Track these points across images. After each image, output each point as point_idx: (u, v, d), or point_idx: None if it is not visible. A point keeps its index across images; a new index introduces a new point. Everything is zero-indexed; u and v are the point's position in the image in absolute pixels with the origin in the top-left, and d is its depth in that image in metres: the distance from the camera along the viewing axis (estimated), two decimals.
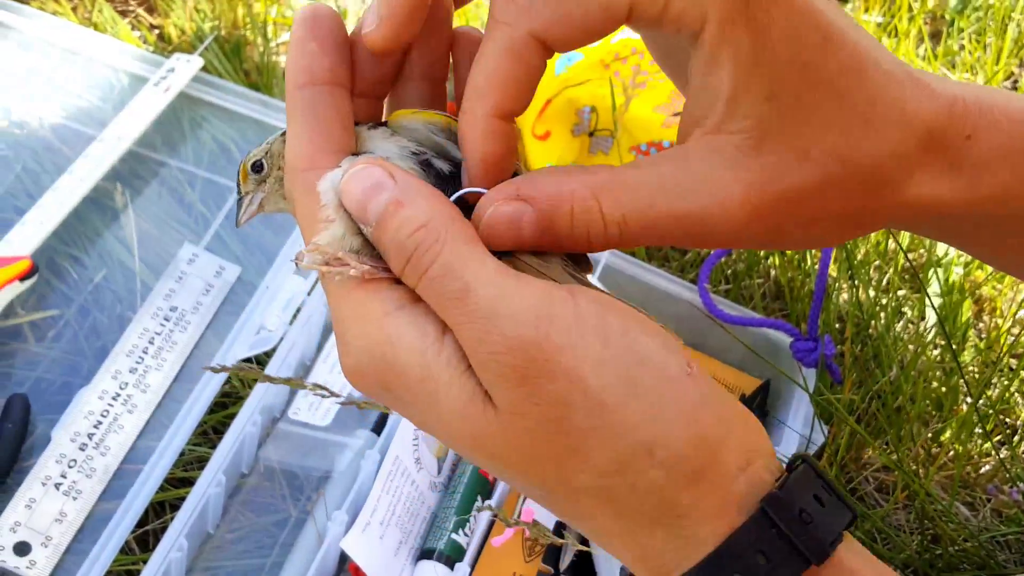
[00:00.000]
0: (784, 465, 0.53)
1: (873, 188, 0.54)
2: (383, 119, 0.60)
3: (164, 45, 1.55)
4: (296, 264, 0.53)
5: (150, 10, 1.60)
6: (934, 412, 1.22)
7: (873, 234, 1.32)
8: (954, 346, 1.24)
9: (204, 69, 1.33)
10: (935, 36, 1.70)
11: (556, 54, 0.54)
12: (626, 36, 1.33)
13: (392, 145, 0.56)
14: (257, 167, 0.59)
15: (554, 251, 0.55)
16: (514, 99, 0.53)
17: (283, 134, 0.58)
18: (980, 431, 1.18)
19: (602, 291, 0.53)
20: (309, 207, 0.53)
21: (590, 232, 0.52)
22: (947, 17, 1.69)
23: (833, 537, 0.50)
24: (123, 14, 1.60)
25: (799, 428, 1.10)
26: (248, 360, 1.13)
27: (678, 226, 0.52)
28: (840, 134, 0.53)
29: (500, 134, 0.53)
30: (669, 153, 0.53)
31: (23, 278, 1.09)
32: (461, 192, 0.54)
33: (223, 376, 1.10)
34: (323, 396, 0.87)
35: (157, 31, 1.58)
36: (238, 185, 0.60)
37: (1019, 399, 1.24)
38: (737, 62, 0.51)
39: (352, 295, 0.52)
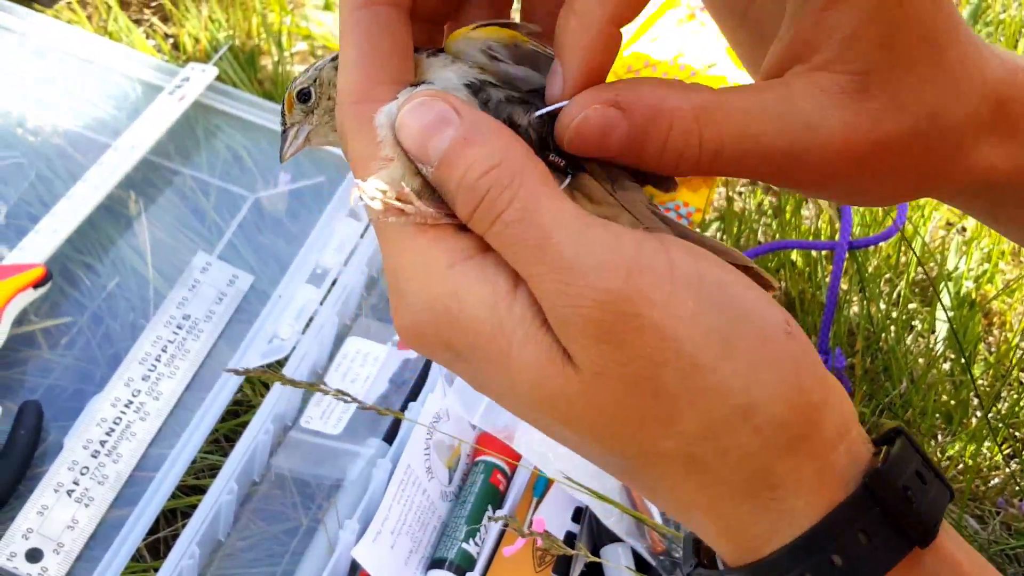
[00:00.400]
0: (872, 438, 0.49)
1: (951, 148, 0.52)
2: (442, 45, 0.54)
3: (178, 54, 1.55)
4: (354, 199, 0.48)
5: (164, 19, 1.61)
6: (944, 425, 1.22)
7: (884, 245, 1.32)
8: (959, 365, 1.24)
9: (218, 79, 1.33)
10: None
11: None
12: (637, 50, 1.34)
13: (452, 74, 0.51)
14: (304, 96, 0.54)
15: (634, 170, 0.51)
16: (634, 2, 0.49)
17: (333, 59, 0.54)
18: (989, 444, 1.18)
19: (692, 239, 0.49)
20: (363, 144, 0.49)
21: (684, 155, 0.49)
22: None
23: (938, 517, 0.46)
24: (138, 23, 1.60)
25: None
26: (261, 368, 1.13)
27: (773, 160, 0.49)
28: (935, 91, 0.51)
29: (613, 44, 0.49)
30: (771, 84, 0.50)
31: (37, 285, 1.10)
32: (550, 108, 0.49)
33: (236, 384, 1.10)
34: (344, 400, 0.86)
35: (172, 40, 1.58)
36: (283, 116, 0.55)
37: None
38: (859, 8, 0.48)
39: (412, 243, 0.47)
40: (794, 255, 1.34)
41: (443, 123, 0.46)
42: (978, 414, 1.21)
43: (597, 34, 0.48)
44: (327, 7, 1.66)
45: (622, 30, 0.50)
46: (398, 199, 0.46)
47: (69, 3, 1.55)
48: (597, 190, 0.50)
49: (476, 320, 0.45)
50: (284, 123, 0.55)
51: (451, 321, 0.46)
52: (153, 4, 1.63)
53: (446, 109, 0.47)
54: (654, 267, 0.44)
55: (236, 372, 0.89)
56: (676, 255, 0.45)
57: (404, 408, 1.11)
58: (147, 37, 1.58)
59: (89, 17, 1.57)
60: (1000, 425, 1.20)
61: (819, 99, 0.49)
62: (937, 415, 1.21)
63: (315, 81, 0.54)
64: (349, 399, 0.88)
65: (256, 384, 1.17)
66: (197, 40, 1.54)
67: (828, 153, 0.49)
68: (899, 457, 0.47)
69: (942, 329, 1.30)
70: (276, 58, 1.52)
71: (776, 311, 0.47)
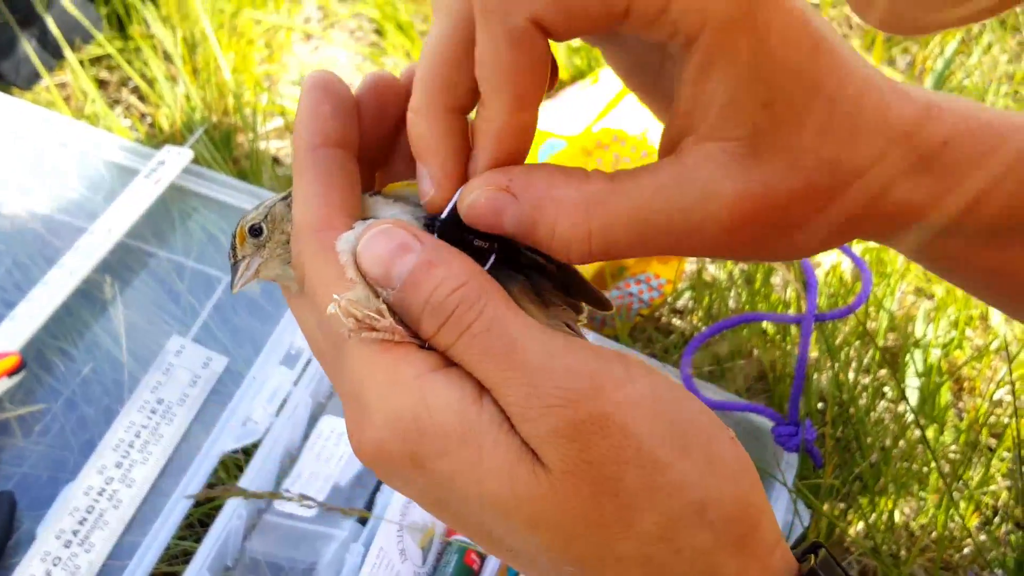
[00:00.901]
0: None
1: (858, 197, 0.53)
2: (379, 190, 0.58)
3: (155, 132, 1.57)
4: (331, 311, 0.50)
5: (142, 98, 1.63)
6: (917, 493, 1.23)
7: (851, 317, 1.33)
8: (931, 430, 1.25)
9: (194, 160, 1.35)
10: None
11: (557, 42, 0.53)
12: (607, 125, 1.36)
13: (396, 210, 0.55)
14: (256, 231, 0.57)
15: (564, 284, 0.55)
16: (528, 88, 0.51)
17: (283, 198, 0.57)
18: (958, 514, 1.18)
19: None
20: (325, 268, 0.51)
21: (572, 245, 0.51)
22: None
23: None
24: (116, 102, 1.62)
25: (782, 513, 1.11)
26: (235, 452, 1.14)
27: (672, 235, 0.51)
28: (831, 141, 0.52)
29: (522, 128, 0.52)
30: (665, 162, 0.52)
31: (11, 373, 1.11)
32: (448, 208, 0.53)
33: (209, 468, 1.11)
34: (308, 506, 0.87)
35: (148, 119, 1.60)
36: (234, 249, 0.58)
37: (1000, 479, 1.25)
38: (735, 68, 0.50)
39: (379, 358, 0.49)
40: (765, 324, 1.35)
41: (404, 249, 0.49)
42: (948, 481, 1.22)
43: (507, 124, 0.52)
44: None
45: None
46: (366, 320, 0.49)
47: (47, 86, 1.57)
48: (533, 311, 0.53)
49: (446, 426, 0.47)
50: (235, 256, 0.57)
51: (419, 430, 0.48)
52: (130, 84, 1.64)
53: (407, 236, 0.50)
54: (615, 372, 0.48)
55: (190, 497, 0.89)
56: (632, 363, 0.49)
57: (377, 489, 1.12)
58: (124, 117, 1.60)
59: (67, 99, 1.59)
60: (970, 494, 1.21)
61: (711, 169, 0.51)
62: (909, 482, 1.22)
63: (266, 217, 0.57)
64: (313, 504, 0.89)
65: (230, 467, 1.18)
66: (173, 120, 1.56)
67: (726, 221, 0.51)
68: (824, 564, 0.51)
69: (912, 396, 1.31)
70: (251, 136, 1.54)
71: (718, 420, 0.50)
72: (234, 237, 0.57)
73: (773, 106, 0.51)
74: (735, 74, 0.50)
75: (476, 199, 0.52)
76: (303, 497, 0.85)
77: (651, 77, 0.60)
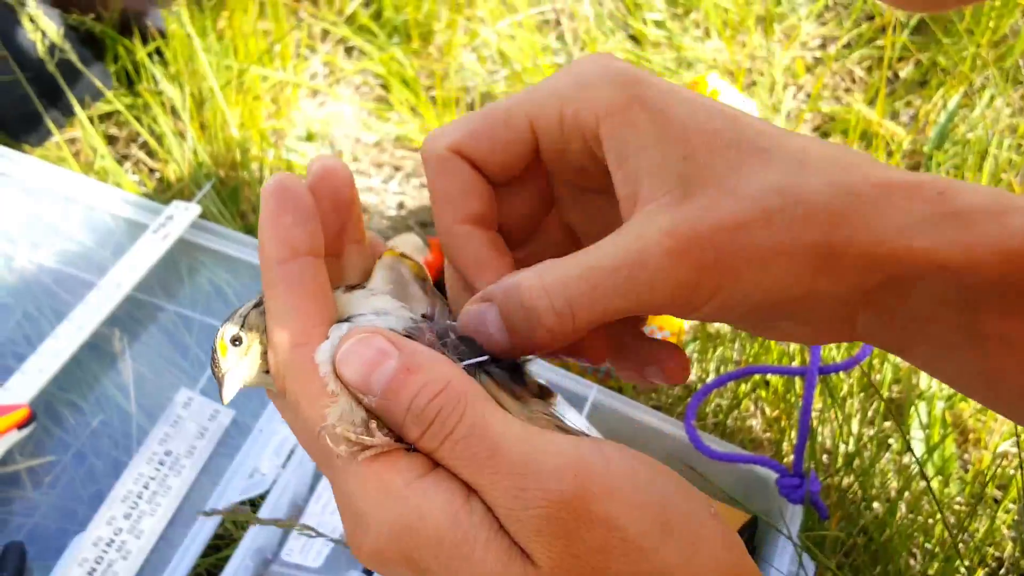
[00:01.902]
0: None
1: (822, 219, 0.51)
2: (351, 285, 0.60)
3: (163, 187, 1.59)
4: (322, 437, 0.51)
5: (150, 154, 1.65)
6: (923, 544, 1.23)
7: (856, 369, 1.34)
8: (936, 482, 1.26)
9: (202, 215, 1.36)
10: (914, 170, 1.74)
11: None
12: None
13: (376, 305, 0.56)
14: (236, 340, 0.58)
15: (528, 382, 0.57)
16: (465, 208, 0.57)
17: (255, 305, 0.58)
18: (964, 566, 1.18)
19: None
20: (306, 385, 0.52)
21: (542, 320, 0.53)
22: (925, 152, 1.73)
23: None
24: (125, 157, 1.64)
25: (787, 565, 1.11)
26: (242, 503, 1.14)
27: (619, 289, 0.52)
28: (773, 173, 0.52)
29: (470, 240, 0.57)
30: (606, 239, 0.54)
31: (21, 426, 1.11)
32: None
33: (217, 519, 1.11)
34: (312, 536, 0.88)
35: (157, 174, 1.62)
36: (215, 362, 0.58)
37: (1005, 531, 1.25)
38: (643, 139, 0.53)
39: (366, 470, 0.50)
40: (770, 376, 1.36)
41: (383, 356, 0.50)
42: (953, 533, 1.22)
43: (459, 238, 0.57)
44: (309, 138, 1.70)
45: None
46: (357, 439, 0.50)
47: (56, 141, 1.59)
48: (511, 406, 0.54)
49: (440, 530, 0.48)
50: (219, 369, 0.58)
51: (413, 536, 0.49)
52: (139, 140, 1.66)
53: (383, 343, 0.51)
54: (594, 465, 0.48)
55: (207, 514, 0.90)
56: (608, 452, 0.49)
57: None
58: (132, 173, 1.62)
59: (76, 154, 1.60)
60: (975, 547, 1.21)
61: (643, 221, 0.52)
62: (915, 534, 1.22)
63: (243, 326, 0.57)
64: (326, 536, 0.89)
65: (239, 518, 1.18)
66: (181, 176, 1.58)
67: (672, 265, 0.51)
68: None
69: (918, 448, 1.31)
70: (258, 190, 1.55)
71: (699, 496, 0.51)
72: (214, 349, 0.58)
73: (695, 157, 0.52)
74: (646, 142, 0.53)
75: (464, 314, 0.55)
76: (313, 529, 0.86)
77: (590, 214, 0.63)
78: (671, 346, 0.61)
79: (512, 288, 0.53)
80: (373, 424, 0.50)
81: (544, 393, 0.58)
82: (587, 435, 0.54)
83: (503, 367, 0.56)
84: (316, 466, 1.18)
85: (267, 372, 0.57)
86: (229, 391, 0.58)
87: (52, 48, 1.50)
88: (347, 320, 0.55)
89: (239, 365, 0.58)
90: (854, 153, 0.54)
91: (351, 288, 0.58)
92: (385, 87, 1.82)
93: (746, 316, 0.56)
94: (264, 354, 0.57)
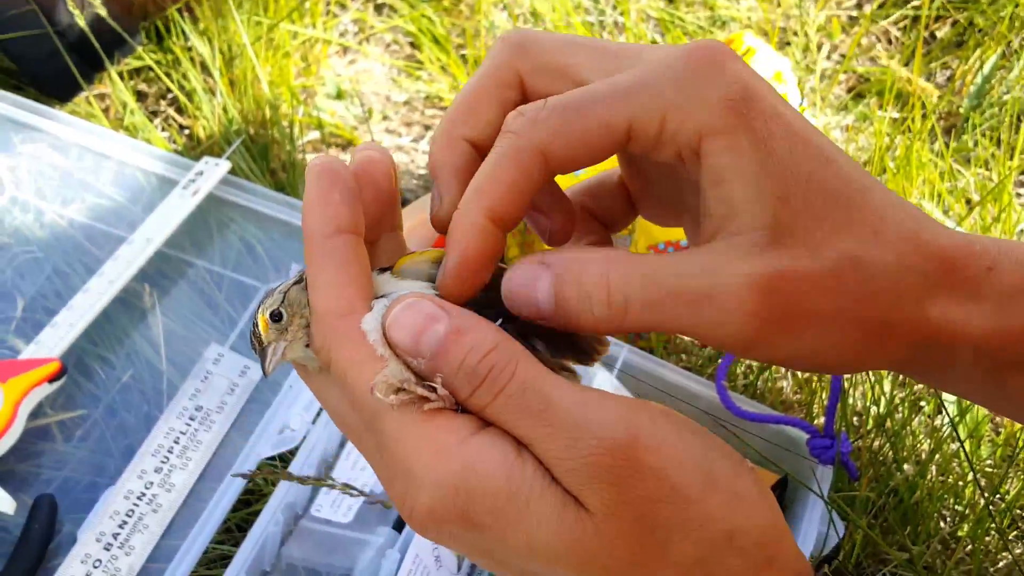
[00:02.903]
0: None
1: (887, 296, 0.54)
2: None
3: (193, 144, 1.59)
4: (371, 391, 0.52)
5: (179, 111, 1.64)
6: (953, 506, 1.22)
7: None
8: (968, 444, 1.25)
9: (231, 171, 1.36)
10: (949, 132, 1.72)
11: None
12: None
13: (408, 285, 0.58)
14: (276, 316, 0.59)
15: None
16: (509, 204, 0.55)
17: (295, 282, 0.60)
18: (995, 528, 1.18)
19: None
20: (355, 351, 0.53)
21: (594, 300, 0.54)
22: (961, 113, 1.71)
23: None
24: (154, 114, 1.64)
25: (816, 524, 1.11)
26: (271, 459, 1.15)
27: (690, 314, 0.53)
28: (852, 238, 0.54)
29: (487, 235, 0.55)
30: (691, 249, 0.55)
31: (52, 380, 1.12)
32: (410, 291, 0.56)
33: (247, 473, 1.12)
34: (351, 494, 0.88)
35: (187, 131, 1.62)
36: (257, 336, 0.60)
37: None
38: (744, 168, 0.53)
39: (419, 430, 0.52)
40: None
41: (432, 320, 0.52)
42: (986, 495, 1.21)
43: (475, 224, 0.55)
44: (339, 96, 1.70)
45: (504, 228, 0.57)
46: (410, 391, 0.52)
47: (86, 97, 1.59)
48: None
49: (494, 485, 0.50)
50: (260, 342, 0.59)
51: (468, 492, 0.50)
52: (169, 96, 1.66)
53: (433, 307, 0.53)
54: (642, 420, 0.51)
55: (242, 476, 0.90)
56: (654, 410, 0.52)
57: None
58: (162, 129, 1.62)
59: (106, 111, 1.60)
60: (1006, 509, 1.20)
61: (728, 253, 0.53)
62: (945, 496, 1.21)
63: (283, 302, 0.59)
64: (355, 492, 0.89)
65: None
66: (211, 132, 1.57)
67: (742, 299, 0.53)
68: (837, 571, 0.55)
69: (949, 410, 1.30)
70: (288, 148, 1.55)
71: (737, 455, 0.54)
72: (255, 324, 0.59)
73: (789, 201, 0.53)
74: (746, 171, 0.53)
75: (514, 277, 0.55)
76: (347, 486, 0.86)
77: (666, 195, 0.64)
78: (564, 201, 0.63)
79: (575, 264, 0.54)
80: (437, 380, 0.52)
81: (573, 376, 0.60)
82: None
83: (544, 338, 0.58)
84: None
85: (307, 347, 0.58)
86: (271, 365, 0.59)
87: (82, 3, 1.50)
88: (383, 297, 0.56)
89: (280, 340, 0.59)
90: (922, 217, 0.56)
91: (384, 270, 0.59)
92: (415, 45, 1.81)
93: (788, 362, 0.58)
94: (306, 328, 0.58)
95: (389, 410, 0.52)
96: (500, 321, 0.56)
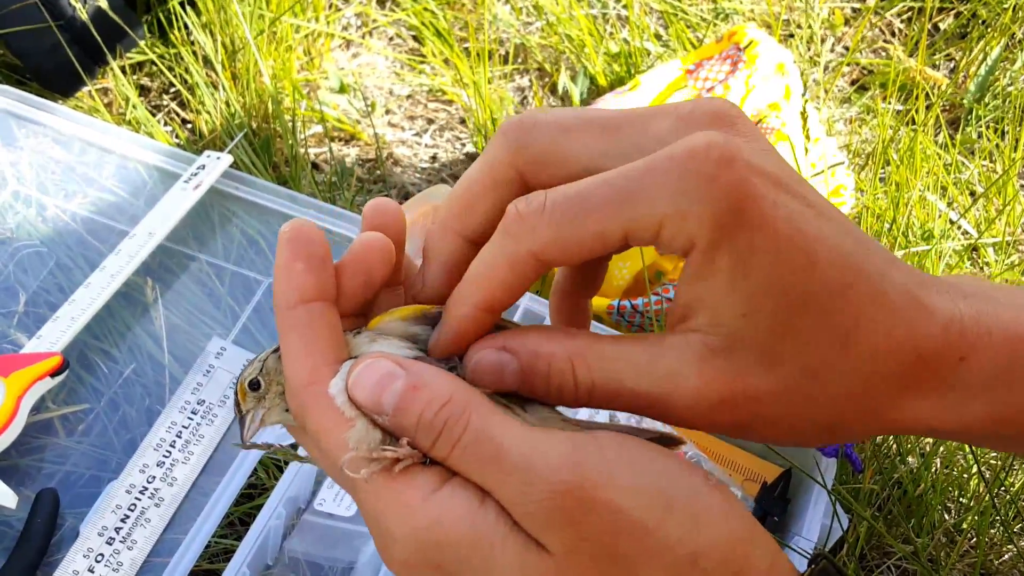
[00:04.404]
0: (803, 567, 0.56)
1: (847, 407, 0.56)
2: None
3: (195, 139, 1.58)
4: (343, 470, 0.54)
5: (182, 105, 1.64)
6: (957, 499, 1.22)
7: None
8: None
9: (233, 165, 1.36)
10: (953, 124, 1.72)
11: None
12: None
13: (380, 346, 0.59)
14: (255, 385, 0.61)
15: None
16: (501, 297, 0.57)
17: (274, 350, 0.62)
18: (999, 520, 1.18)
19: (612, 428, 0.57)
20: (324, 416, 0.56)
21: (563, 391, 0.56)
22: (966, 105, 1.71)
23: None
24: (157, 108, 1.64)
25: (820, 517, 1.10)
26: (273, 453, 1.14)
27: (642, 403, 0.56)
28: (815, 352, 0.54)
29: (479, 322, 0.58)
30: (648, 337, 0.57)
31: (54, 374, 1.11)
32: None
33: (249, 467, 1.11)
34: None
35: (189, 125, 1.62)
36: (237, 404, 0.62)
37: None
38: (717, 282, 0.54)
39: (387, 491, 0.54)
40: None
41: (391, 378, 0.55)
42: (990, 488, 1.21)
43: (468, 315, 0.58)
44: (342, 90, 1.70)
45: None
46: (380, 457, 0.54)
47: (89, 91, 1.59)
48: (514, 408, 0.58)
49: (459, 536, 0.52)
50: (240, 411, 0.62)
51: (437, 545, 0.53)
52: (171, 90, 1.66)
53: (390, 365, 0.55)
54: (590, 455, 0.52)
55: (243, 446, 0.90)
56: (604, 441, 0.53)
57: None
58: (164, 123, 1.61)
59: (108, 105, 1.60)
60: (1010, 501, 1.20)
61: (684, 354, 0.55)
62: (949, 488, 1.21)
63: (262, 371, 0.62)
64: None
65: (270, 467, 1.18)
66: (214, 126, 1.57)
67: (689, 401, 0.55)
68: (824, 571, 0.57)
69: None
70: (291, 141, 1.55)
71: (696, 470, 0.54)
72: (236, 394, 0.62)
73: (752, 317, 0.54)
74: (717, 287, 0.54)
75: (481, 359, 0.57)
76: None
77: None
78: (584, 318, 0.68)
79: (540, 360, 0.57)
80: (403, 440, 0.54)
81: None
82: (589, 427, 0.59)
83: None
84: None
85: (287, 411, 0.60)
86: (250, 432, 0.62)
87: None
88: (353, 359, 0.58)
89: (259, 407, 0.62)
90: (903, 305, 0.55)
91: (358, 332, 0.61)
92: (418, 39, 1.81)
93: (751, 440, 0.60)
94: (283, 394, 0.60)
95: (368, 480, 0.54)
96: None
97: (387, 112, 1.71)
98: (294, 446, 1.12)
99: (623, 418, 0.98)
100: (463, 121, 1.71)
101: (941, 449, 1.24)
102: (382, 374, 0.55)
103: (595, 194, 0.55)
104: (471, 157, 1.63)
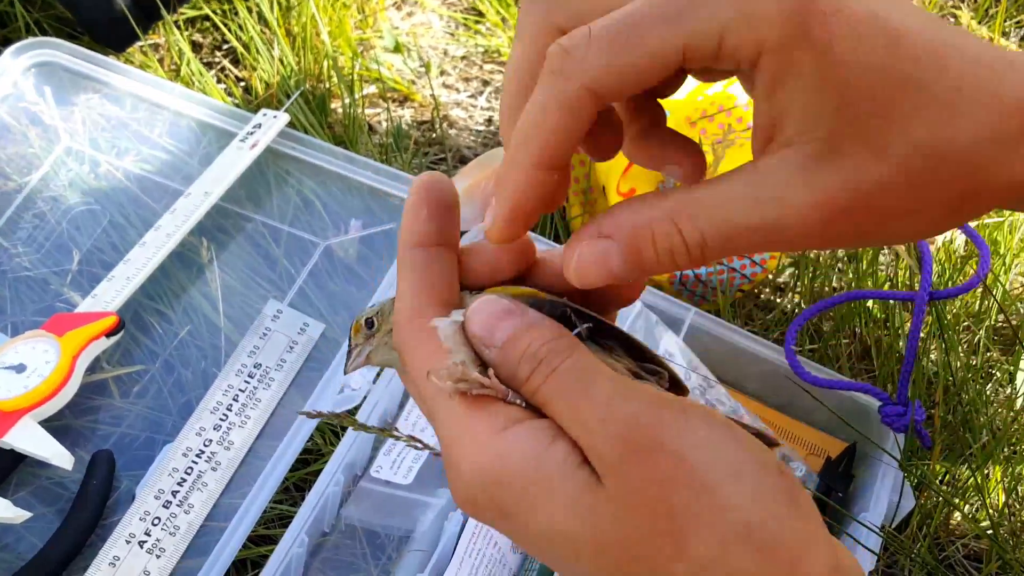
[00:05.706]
0: None
1: (966, 174, 0.51)
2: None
3: (249, 97, 1.56)
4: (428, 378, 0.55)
5: (235, 62, 1.62)
6: None
7: (966, 295, 1.29)
8: None
9: (289, 124, 1.33)
10: None
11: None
12: (713, 92, 1.32)
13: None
14: (369, 323, 0.64)
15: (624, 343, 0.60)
16: (559, 150, 0.54)
17: (392, 299, 0.62)
18: None
19: None
20: (421, 349, 0.56)
21: (674, 255, 0.54)
22: None
23: None
24: (209, 66, 1.61)
25: (887, 493, 1.08)
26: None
27: (755, 237, 0.52)
28: (922, 126, 0.50)
29: (538, 183, 0.55)
30: (741, 168, 0.53)
31: (109, 334, 1.10)
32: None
33: (307, 433, 1.10)
34: (416, 447, 0.86)
35: (243, 84, 1.59)
36: (349, 338, 0.65)
37: None
38: (801, 84, 0.50)
39: (459, 420, 0.54)
40: (870, 302, 1.32)
41: (509, 314, 0.56)
42: None
43: (525, 177, 0.55)
44: (397, 49, 1.67)
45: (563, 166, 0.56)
46: (465, 377, 0.54)
47: (142, 47, 1.57)
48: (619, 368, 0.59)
49: (521, 472, 0.52)
50: (350, 344, 0.65)
51: (498, 483, 0.52)
52: (224, 47, 1.64)
53: (511, 305, 0.57)
54: (673, 406, 0.52)
55: (309, 415, 0.88)
56: (689, 405, 0.52)
57: None
58: (218, 81, 1.59)
59: (161, 61, 1.58)
60: None
61: (785, 171, 0.51)
62: (1019, 465, 1.18)
63: (378, 312, 0.65)
64: (421, 445, 0.87)
65: (327, 433, 1.16)
66: (268, 84, 1.55)
67: (805, 216, 0.51)
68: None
69: (1022, 379, 1.27)
70: (347, 102, 1.52)
71: (771, 454, 0.53)
72: (351, 328, 0.65)
73: (848, 107, 0.50)
74: (801, 86, 0.50)
75: (581, 257, 0.55)
76: (412, 438, 0.85)
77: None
78: (691, 144, 0.61)
79: (643, 231, 0.54)
80: (491, 372, 0.55)
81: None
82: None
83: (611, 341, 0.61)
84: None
85: (393, 350, 0.62)
86: (353, 365, 0.65)
87: None
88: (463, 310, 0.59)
89: (367, 344, 0.64)
90: (1005, 67, 0.51)
91: (477, 292, 0.61)
92: None
93: (866, 245, 0.59)
94: (391, 333, 0.62)
95: (441, 396, 0.54)
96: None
97: (442, 73, 1.68)
98: (352, 412, 1.10)
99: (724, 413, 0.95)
100: None
101: (1014, 426, 1.21)
102: (501, 308, 0.56)
103: (647, 13, 0.51)
104: None
